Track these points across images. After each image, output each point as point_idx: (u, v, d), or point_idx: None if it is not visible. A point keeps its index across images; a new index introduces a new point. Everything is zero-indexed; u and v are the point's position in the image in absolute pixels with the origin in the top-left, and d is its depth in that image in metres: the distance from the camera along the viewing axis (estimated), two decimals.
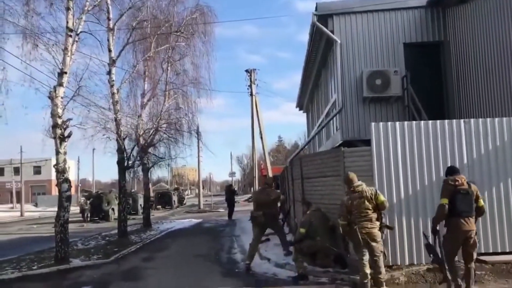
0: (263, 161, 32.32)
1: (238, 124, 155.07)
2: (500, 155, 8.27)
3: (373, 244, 6.98)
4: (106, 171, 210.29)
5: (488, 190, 8.15)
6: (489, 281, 7.24)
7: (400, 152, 8.21)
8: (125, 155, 16.64)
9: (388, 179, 8.16)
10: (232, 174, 51.28)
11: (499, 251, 8.08)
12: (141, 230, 19.49)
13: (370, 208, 7.02)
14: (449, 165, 7.90)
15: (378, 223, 7.07)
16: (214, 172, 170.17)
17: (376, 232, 7.04)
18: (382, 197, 7.15)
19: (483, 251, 7.93)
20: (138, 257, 12.39)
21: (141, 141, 18.34)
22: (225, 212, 27.57)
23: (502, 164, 8.26)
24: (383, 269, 7.09)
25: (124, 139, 16.37)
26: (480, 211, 6.51)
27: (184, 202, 50.82)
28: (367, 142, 8.84)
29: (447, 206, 6.26)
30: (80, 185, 62.55)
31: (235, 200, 28.83)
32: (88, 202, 27.73)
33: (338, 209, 8.74)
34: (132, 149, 17.67)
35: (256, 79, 27.47)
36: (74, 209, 29.24)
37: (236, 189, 30.99)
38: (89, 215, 27.47)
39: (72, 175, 36.00)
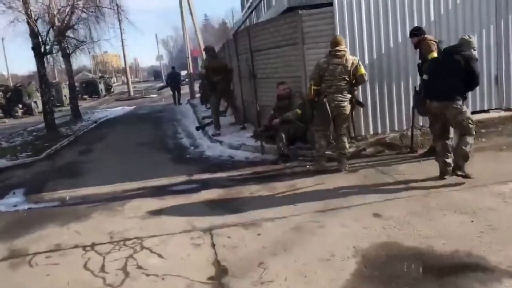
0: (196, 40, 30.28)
1: (164, 3, 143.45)
2: (468, 11, 7.68)
3: (341, 118, 6.40)
4: (22, 64, 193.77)
5: None
6: None
7: (364, 10, 7.33)
8: (40, 40, 14.54)
9: (351, 42, 7.34)
10: (159, 57, 48.24)
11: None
12: (71, 121, 18.16)
13: (346, 78, 6.25)
14: (415, 23, 7.29)
15: (349, 96, 6.38)
16: (139, 58, 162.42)
17: (347, 105, 6.38)
18: (363, 69, 6.39)
19: None
20: (74, 150, 11.28)
21: (57, 22, 16.00)
22: (158, 97, 26.13)
23: (469, 20, 7.70)
24: (347, 144, 6.66)
25: (36, 20, 14.14)
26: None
27: (112, 90, 48.35)
28: (317, 7, 7.84)
29: None
30: None
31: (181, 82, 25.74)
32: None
33: (296, 81, 8.06)
34: (48, 32, 15.48)
35: None
36: None
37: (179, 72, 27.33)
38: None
39: None
